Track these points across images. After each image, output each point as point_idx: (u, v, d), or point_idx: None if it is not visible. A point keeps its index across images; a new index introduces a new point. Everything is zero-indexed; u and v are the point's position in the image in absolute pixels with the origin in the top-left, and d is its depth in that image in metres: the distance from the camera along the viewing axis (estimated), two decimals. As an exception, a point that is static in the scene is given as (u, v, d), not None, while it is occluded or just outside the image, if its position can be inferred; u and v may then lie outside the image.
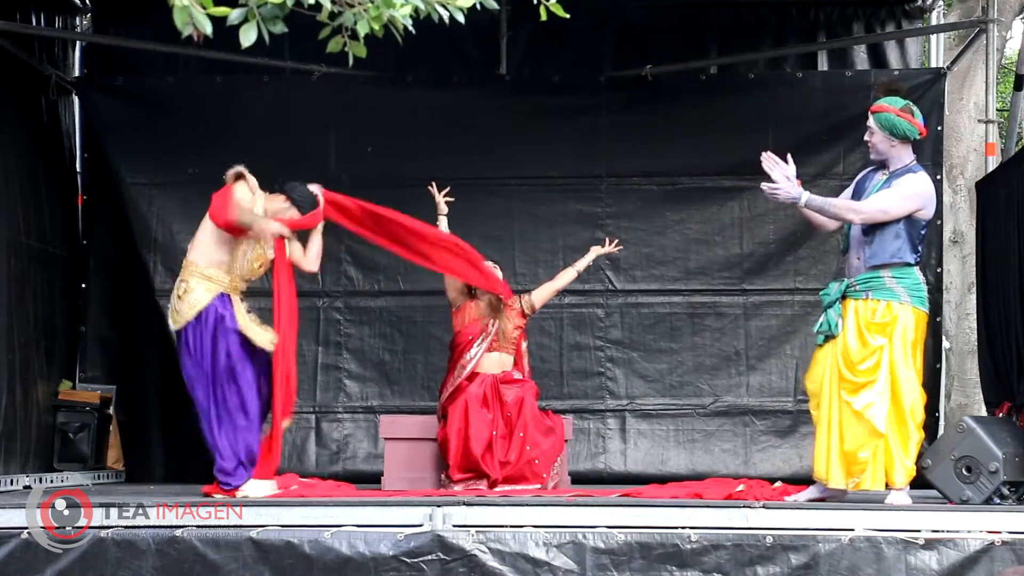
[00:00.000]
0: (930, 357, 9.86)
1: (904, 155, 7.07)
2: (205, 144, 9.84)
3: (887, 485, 6.96)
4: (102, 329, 10.05)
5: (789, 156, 7.09)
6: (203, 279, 7.21)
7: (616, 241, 8.82)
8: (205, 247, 7.28)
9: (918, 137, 7.08)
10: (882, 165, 7.11)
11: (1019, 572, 5.90)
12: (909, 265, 6.97)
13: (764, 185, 7.04)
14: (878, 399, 6.87)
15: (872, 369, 6.89)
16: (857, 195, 7.14)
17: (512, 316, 8.42)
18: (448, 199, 8.40)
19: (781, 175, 7.00)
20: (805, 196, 7.01)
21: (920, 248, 7.08)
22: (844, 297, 7.02)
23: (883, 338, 6.90)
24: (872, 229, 6.96)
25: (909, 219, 6.96)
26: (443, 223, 8.40)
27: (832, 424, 6.95)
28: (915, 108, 7.09)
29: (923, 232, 7.07)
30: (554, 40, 10.02)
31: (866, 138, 7.12)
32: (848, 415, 6.90)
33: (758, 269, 9.90)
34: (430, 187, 8.47)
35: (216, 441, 7.14)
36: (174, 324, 7.22)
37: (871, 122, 7.06)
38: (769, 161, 7.02)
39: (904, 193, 6.96)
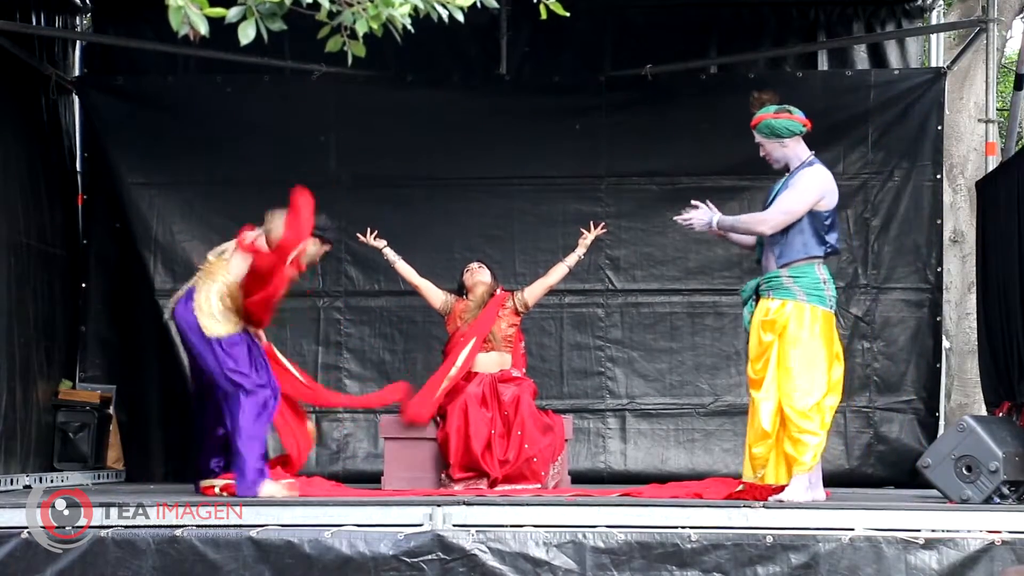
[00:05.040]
0: (930, 357, 9.89)
1: (800, 152, 7.16)
2: (205, 144, 9.86)
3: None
4: (102, 329, 10.05)
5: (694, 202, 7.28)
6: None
7: (603, 224, 8.81)
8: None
9: (803, 130, 7.15)
10: (786, 170, 7.19)
11: (1021, 572, 5.91)
12: (810, 263, 6.99)
13: (677, 217, 7.26)
14: (764, 396, 6.94)
15: (764, 367, 6.95)
16: (768, 204, 7.21)
17: (506, 315, 8.43)
18: (379, 240, 8.54)
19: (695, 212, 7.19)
20: (716, 217, 7.18)
21: (829, 239, 7.09)
22: (759, 296, 7.10)
23: (772, 335, 6.94)
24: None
25: (811, 213, 7.02)
26: (390, 254, 8.56)
27: (748, 418, 7.05)
28: (791, 107, 7.18)
29: (827, 222, 7.08)
30: (554, 40, 10.02)
31: (761, 154, 7.22)
32: (754, 410, 7.00)
33: (758, 269, 9.89)
34: (360, 238, 8.62)
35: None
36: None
37: (756, 137, 7.19)
38: (685, 215, 7.24)
39: (801, 188, 7.03)
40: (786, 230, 7.01)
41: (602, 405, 9.89)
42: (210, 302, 7.24)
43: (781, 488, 7.27)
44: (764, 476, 6.93)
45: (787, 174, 7.18)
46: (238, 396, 7.15)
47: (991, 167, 9.25)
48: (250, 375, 7.19)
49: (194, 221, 9.86)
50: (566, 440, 8.34)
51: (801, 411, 6.90)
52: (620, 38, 10.18)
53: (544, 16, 4.41)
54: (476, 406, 8.11)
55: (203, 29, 3.98)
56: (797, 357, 6.92)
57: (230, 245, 7.47)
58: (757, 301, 7.10)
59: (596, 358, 9.93)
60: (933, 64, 10.37)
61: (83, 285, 10.00)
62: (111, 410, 9.79)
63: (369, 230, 8.61)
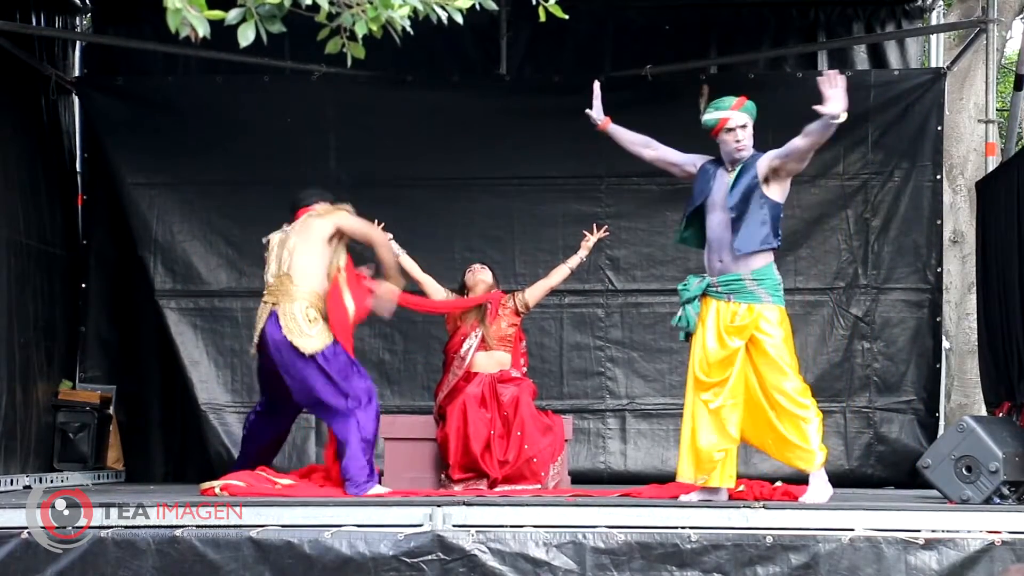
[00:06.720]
0: (930, 357, 9.89)
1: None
2: (205, 144, 9.86)
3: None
4: (102, 329, 10.06)
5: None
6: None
7: (605, 227, 8.80)
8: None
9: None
10: (720, 162, 7.13)
11: (1022, 570, 5.91)
12: (768, 264, 6.95)
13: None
14: (731, 402, 6.87)
15: (725, 370, 6.87)
16: (700, 194, 7.10)
17: (506, 315, 8.42)
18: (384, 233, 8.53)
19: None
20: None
21: (779, 231, 7.03)
22: (705, 295, 7.00)
23: (740, 340, 6.89)
24: (739, 219, 6.93)
25: (773, 202, 6.97)
26: (395, 247, 8.45)
27: (687, 419, 6.95)
28: None
29: (780, 215, 7.04)
30: (554, 40, 10.02)
31: (739, 137, 7.06)
32: (703, 413, 6.89)
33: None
34: None
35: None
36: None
37: (741, 119, 7.08)
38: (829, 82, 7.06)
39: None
40: (748, 220, 6.90)
41: (602, 405, 9.89)
42: (296, 321, 7.20)
43: (782, 488, 7.29)
44: (709, 480, 6.88)
45: (728, 167, 7.08)
46: (353, 411, 7.22)
47: (991, 167, 9.25)
48: (359, 382, 7.25)
49: (194, 221, 9.87)
50: (566, 440, 8.34)
51: (799, 390, 6.89)
52: (620, 38, 10.18)
53: (543, 18, 4.41)
54: (475, 407, 8.11)
55: (202, 31, 3.98)
56: (778, 353, 6.91)
57: (277, 256, 7.43)
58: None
59: (596, 358, 9.93)
60: (933, 64, 10.38)
61: (83, 285, 10.01)
62: (111, 410, 9.79)
63: (376, 222, 8.59)
